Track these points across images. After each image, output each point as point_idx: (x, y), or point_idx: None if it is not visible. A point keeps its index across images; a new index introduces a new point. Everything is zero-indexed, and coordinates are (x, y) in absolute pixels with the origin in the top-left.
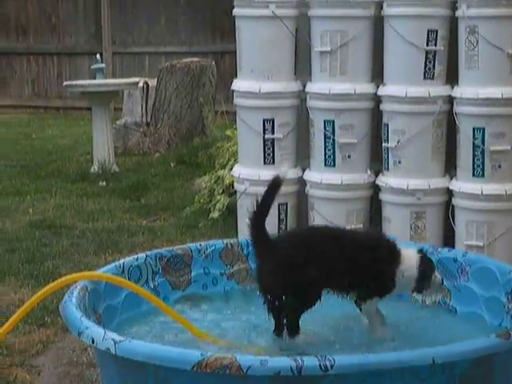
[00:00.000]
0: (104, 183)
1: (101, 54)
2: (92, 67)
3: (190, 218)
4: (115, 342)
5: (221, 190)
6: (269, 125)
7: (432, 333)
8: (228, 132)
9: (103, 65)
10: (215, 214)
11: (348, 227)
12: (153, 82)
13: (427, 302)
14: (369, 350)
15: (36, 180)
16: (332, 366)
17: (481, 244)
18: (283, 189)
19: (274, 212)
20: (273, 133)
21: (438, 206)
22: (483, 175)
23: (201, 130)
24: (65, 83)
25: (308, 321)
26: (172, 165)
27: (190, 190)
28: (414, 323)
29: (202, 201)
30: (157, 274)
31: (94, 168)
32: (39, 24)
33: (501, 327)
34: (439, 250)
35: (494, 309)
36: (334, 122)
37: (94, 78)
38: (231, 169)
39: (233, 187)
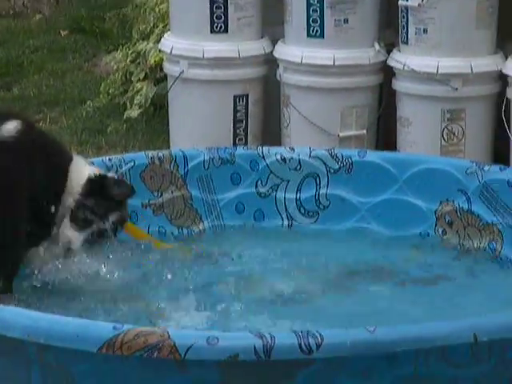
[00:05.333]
0: None
1: None
2: None
3: (94, 118)
4: None
5: (142, 75)
6: None
7: (471, 296)
8: None
9: None
10: (134, 113)
11: (342, 134)
12: None
13: (466, 246)
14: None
15: None
16: (319, 346)
17: None
18: (241, 73)
19: (227, 110)
20: None
21: (484, 101)
22: None
23: None
24: None
25: None
26: (63, 33)
27: (92, 74)
28: (443, 279)
29: (112, 91)
30: None
31: None
32: None
33: None
34: (485, 168)
35: None
36: None
37: None
38: (159, 40)
39: (162, 70)
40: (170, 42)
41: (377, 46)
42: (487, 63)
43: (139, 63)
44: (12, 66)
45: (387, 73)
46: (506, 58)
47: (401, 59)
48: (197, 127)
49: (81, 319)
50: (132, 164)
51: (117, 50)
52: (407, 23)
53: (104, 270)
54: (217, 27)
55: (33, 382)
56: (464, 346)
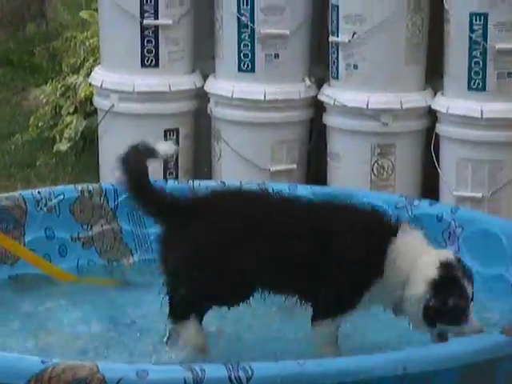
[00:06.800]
0: None
1: None
2: None
3: (23, 151)
4: None
5: (72, 108)
6: (150, 4)
7: (396, 334)
8: (84, 15)
9: None
10: (63, 146)
11: (273, 168)
12: None
13: None
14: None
15: None
16: (249, 379)
17: (479, 195)
18: (171, 107)
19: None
20: (156, 17)
21: (414, 136)
22: (484, 88)
23: (38, 11)
24: None
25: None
26: None
27: (21, 108)
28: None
29: (41, 125)
30: None
31: None
32: None
33: (508, 320)
34: (415, 202)
35: (498, 292)
36: None
37: None
38: (89, 74)
39: (92, 104)
40: (101, 76)
41: (307, 81)
42: (416, 99)
43: (69, 97)
44: None
45: (318, 108)
46: (435, 93)
47: (331, 94)
48: None
49: (9, 353)
50: (62, 197)
51: (46, 84)
52: (338, 59)
53: None
54: (147, 61)
55: None
56: (392, 379)
